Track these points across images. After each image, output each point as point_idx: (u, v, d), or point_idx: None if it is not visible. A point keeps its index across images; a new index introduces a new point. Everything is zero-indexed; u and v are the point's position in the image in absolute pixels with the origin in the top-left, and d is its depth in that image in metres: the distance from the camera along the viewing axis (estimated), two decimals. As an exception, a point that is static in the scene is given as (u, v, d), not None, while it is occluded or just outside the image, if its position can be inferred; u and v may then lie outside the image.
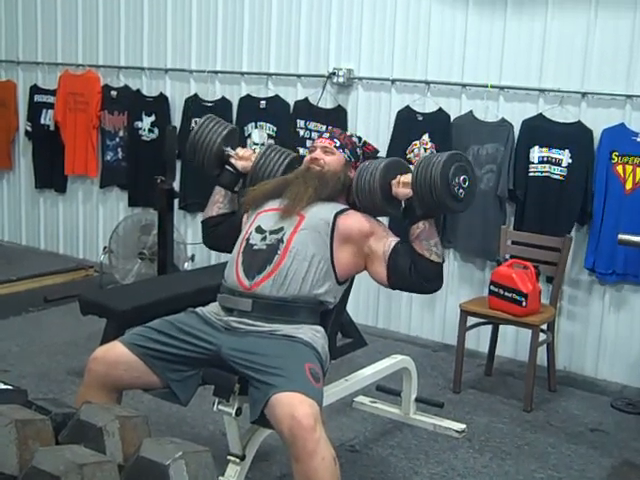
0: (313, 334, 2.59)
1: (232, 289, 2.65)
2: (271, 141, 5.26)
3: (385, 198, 2.70)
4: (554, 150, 4.34)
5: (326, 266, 2.64)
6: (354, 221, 2.71)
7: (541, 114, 4.39)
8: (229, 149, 3.00)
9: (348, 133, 3.04)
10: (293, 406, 2.25)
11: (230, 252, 2.81)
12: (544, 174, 4.37)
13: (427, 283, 2.66)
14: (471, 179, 2.63)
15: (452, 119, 4.67)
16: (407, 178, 2.66)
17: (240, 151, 3.00)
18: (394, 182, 2.69)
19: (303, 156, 3.00)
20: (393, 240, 2.69)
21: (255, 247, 2.67)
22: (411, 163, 4.64)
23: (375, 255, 2.67)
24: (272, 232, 2.68)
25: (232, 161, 2.99)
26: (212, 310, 2.68)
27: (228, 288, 2.67)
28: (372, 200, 2.71)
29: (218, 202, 3.02)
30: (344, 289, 2.77)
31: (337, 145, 2.87)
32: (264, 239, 2.67)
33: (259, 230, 2.71)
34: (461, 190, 2.59)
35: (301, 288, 2.60)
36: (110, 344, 2.62)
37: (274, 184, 2.84)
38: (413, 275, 2.63)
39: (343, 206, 2.77)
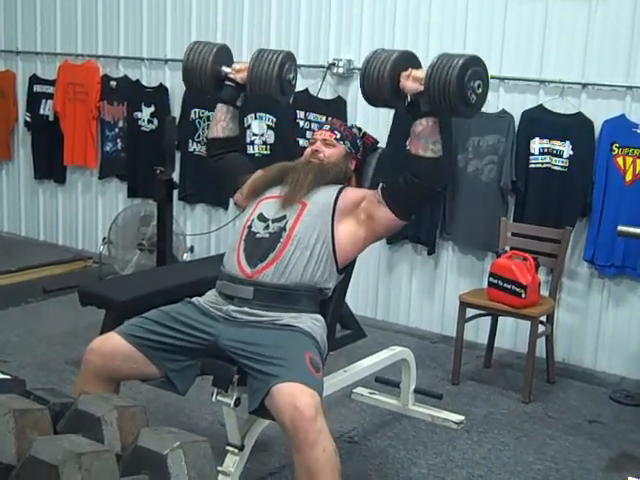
0: (313, 323, 2.59)
1: (232, 276, 2.64)
2: (270, 132, 5.26)
3: (392, 90, 2.64)
4: (555, 142, 4.33)
5: (327, 253, 2.64)
6: (349, 195, 2.73)
7: (541, 105, 4.38)
8: (224, 67, 2.98)
9: (348, 124, 3.03)
10: (294, 396, 2.25)
11: (225, 185, 2.89)
12: (545, 165, 4.37)
13: (423, 181, 2.59)
14: (485, 86, 2.58)
15: (452, 110, 4.65)
16: (419, 73, 2.60)
17: (237, 65, 2.97)
18: (404, 74, 2.63)
19: (303, 147, 2.99)
20: (380, 185, 2.70)
21: (258, 235, 2.66)
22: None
23: (372, 206, 2.67)
24: (275, 220, 2.68)
25: (231, 76, 2.96)
26: (209, 299, 2.67)
27: (228, 275, 2.67)
28: (378, 89, 2.65)
29: (221, 120, 2.99)
30: (342, 277, 2.77)
31: (337, 137, 2.86)
32: (267, 227, 2.67)
33: (261, 218, 2.71)
34: (473, 95, 2.54)
35: (302, 276, 2.60)
36: (106, 335, 2.62)
37: (274, 170, 2.84)
38: (408, 181, 2.60)
39: (340, 185, 2.78)
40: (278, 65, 2.85)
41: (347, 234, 2.69)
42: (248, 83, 2.89)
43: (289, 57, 2.92)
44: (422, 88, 2.57)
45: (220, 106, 3.00)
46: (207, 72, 2.95)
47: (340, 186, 2.77)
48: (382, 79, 2.63)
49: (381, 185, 2.70)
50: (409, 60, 2.69)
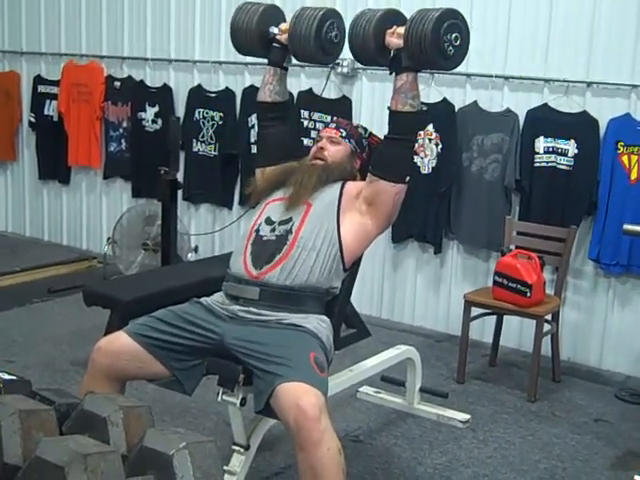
0: (319, 323, 2.58)
1: (238, 277, 2.64)
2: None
3: (377, 46, 2.65)
4: (560, 140, 4.32)
5: (334, 253, 2.63)
6: (350, 189, 2.74)
7: (546, 104, 4.38)
8: (272, 28, 2.90)
9: (354, 124, 3.02)
10: (298, 396, 2.25)
11: (261, 159, 2.93)
12: (550, 164, 4.36)
13: (402, 135, 2.63)
14: (463, 38, 2.58)
15: (456, 109, 4.65)
16: (402, 30, 2.61)
17: (283, 25, 2.90)
18: (389, 31, 2.64)
19: (307, 147, 2.98)
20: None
21: (265, 238, 2.66)
22: (416, 154, 4.65)
23: (368, 189, 2.68)
24: (281, 223, 2.68)
25: (277, 37, 2.89)
26: (216, 300, 2.67)
27: (234, 276, 2.66)
28: (364, 47, 2.67)
29: (269, 83, 2.95)
30: (348, 274, 2.76)
31: (343, 135, 2.86)
32: (273, 230, 2.67)
33: (268, 221, 2.70)
34: (451, 48, 2.55)
35: (309, 277, 2.59)
36: (114, 334, 2.62)
37: (279, 172, 2.83)
38: (389, 141, 2.64)
39: (341, 181, 2.78)
40: (317, 22, 2.75)
41: (353, 228, 2.68)
42: (289, 43, 2.82)
43: (331, 14, 2.81)
44: (402, 43, 2.59)
45: (268, 68, 2.95)
46: (253, 32, 2.88)
47: (341, 182, 2.77)
48: (367, 36, 2.65)
49: (370, 167, 2.71)
50: (394, 18, 2.69)
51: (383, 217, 2.70)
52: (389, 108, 2.65)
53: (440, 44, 2.52)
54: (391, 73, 2.66)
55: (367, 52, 2.69)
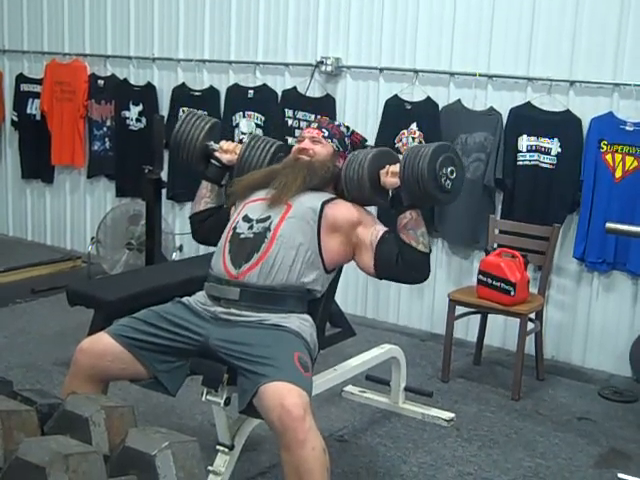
0: (301, 323, 2.58)
1: (219, 278, 2.63)
2: (258, 131, 5.25)
3: (373, 188, 2.69)
4: (543, 139, 4.34)
5: (313, 255, 2.63)
6: (342, 210, 2.70)
7: (529, 102, 4.39)
8: (212, 143, 2.97)
9: (336, 122, 3.02)
10: (282, 396, 2.25)
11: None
12: (533, 163, 4.37)
13: (415, 272, 2.65)
14: (458, 170, 2.62)
15: (440, 108, 4.66)
16: (395, 168, 2.66)
17: (224, 144, 2.97)
18: (382, 172, 2.69)
19: (291, 145, 2.98)
20: (381, 229, 2.68)
21: (242, 236, 2.65)
22: (400, 152, 4.65)
23: (363, 244, 2.66)
24: (259, 221, 2.67)
25: (217, 155, 2.96)
26: (199, 300, 2.66)
27: (215, 277, 2.66)
28: (360, 190, 2.71)
29: (205, 197, 2.99)
30: (332, 277, 2.76)
31: (325, 135, 2.85)
32: (251, 227, 2.66)
33: (246, 219, 2.70)
34: (448, 181, 2.59)
35: (288, 276, 2.59)
36: (96, 335, 2.61)
37: (262, 174, 2.83)
38: (400, 264, 2.62)
39: (331, 195, 2.76)
40: (270, 156, 2.89)
41: (335, 247, 2.67)
42: (236, 167, 2.91)
43: (281, 148, 2.96)
44: (399, 182, 2.63)
45: (205, 184, 3.00)
46: (196, 148, 2.96)
47: (328, 196, 2.74)
48: (362, 180, 2.68)
49: (380, 237, 2.65)
50: (385, 157, 2.74)
51: (351, 258, 2.73)
52: (401, 239, 2.63)
53: (438, 179, 2.56)
54: (394, 211, 2.67)
55: (364, 194, 2.72)
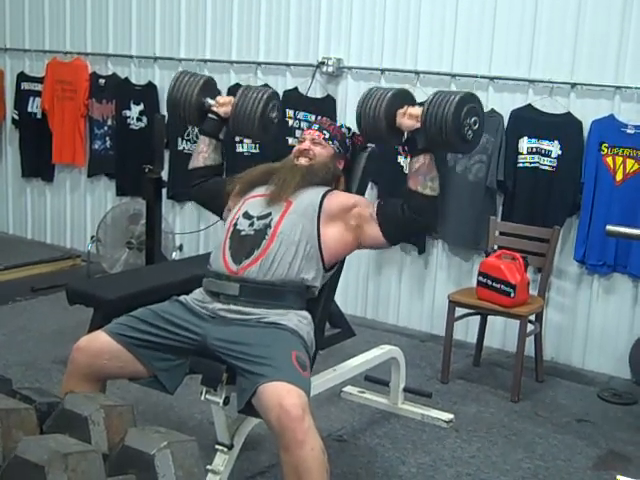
0: (299, 320, 2.58)
1: (218, 273, 2.64)
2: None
3: (389, 127, 2.67)
4: (544, 141, 4.34)
5: (313, 250, 2.63)
6: (339, 198, 2.73)
7: (530, 105, 4.39)
8: (208, 99, 3.00)
9: (337, 124, 3.02)
10: (281, 396, 2.24)
11: (211, 210, 2.96)
12: (533, 165, 4.37)
13: (420, 217, 2.63)
14: (480, 121, 2.62)
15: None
16: (415, 110, 2.63)
17: (220, 98, 3.00)
18: (400, 112, 2.66)
19: (292, 146, 2.98)
20: (377, 203, 2.72)
21: (243, 232, 2.66)
22: (399, 153, 4.66)
23: (364, 220, 2.68)
24: (260, 217, 2.67)
25: (214, 109, 2.98)
26: (196, 298, 2.66)
27: (214, 272, 2.66)
28: (375, 127, 2.69)
29: (203, 152, 3.02)
30: (330, 276, 2.77)
31: (326, 137, 2.85)
32: (252, 225, 2.66)
33: (247, 216, 2.70)
34: (470, 132, 2.58)
35: (288, 272, 2.59)
36: (94, 334, 2.61)
37: (261, 171, 2.84)
38: (405, 212, 2.62)
39: (329, 187, 2.77)
40: (263, 104, 2.89)
41: (335, 237, 2.68)
42: (231, 119, 2.93)
43: (274, 96, 2.96)
44: (419, 125, 2.61)
45: (202, 138, 3.02)
46: (191, 104, 2.97)
47: (327, 188, 2.76)
48: (378, 117, 2.66)
49: (378, 203, 2.70)
50: (404, 97, 2.72)
51: (358, 244, 2.74)
52: (407, 185, 2.64)
53: (461, 128, 2.55)
54: (406, 154, 2.67)
55: (378, 132, 2.71)
